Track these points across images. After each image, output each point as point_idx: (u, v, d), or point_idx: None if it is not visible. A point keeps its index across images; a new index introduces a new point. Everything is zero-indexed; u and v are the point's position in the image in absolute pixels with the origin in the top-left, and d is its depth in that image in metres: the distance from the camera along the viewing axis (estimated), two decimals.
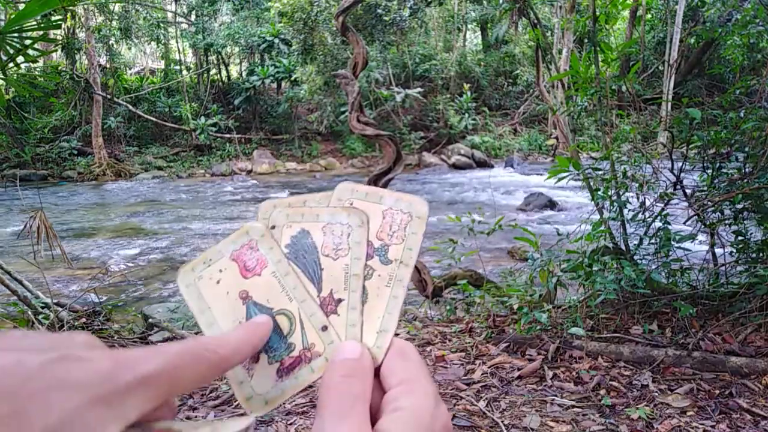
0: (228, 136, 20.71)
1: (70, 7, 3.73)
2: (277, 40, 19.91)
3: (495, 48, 23.97)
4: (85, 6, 18.04)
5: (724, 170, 3.59)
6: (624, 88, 4.16)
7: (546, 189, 11.35)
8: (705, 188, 3.62)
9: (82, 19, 19.16)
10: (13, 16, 3.40)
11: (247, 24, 21.12)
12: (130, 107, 19.99)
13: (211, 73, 22.98)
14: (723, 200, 3.35)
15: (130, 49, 24.08)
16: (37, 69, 14.02)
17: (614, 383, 2.82)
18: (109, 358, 0.29)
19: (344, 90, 3.91)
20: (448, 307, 4.25)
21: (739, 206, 3.39)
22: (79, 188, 16.89)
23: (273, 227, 0.43)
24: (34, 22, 3.38)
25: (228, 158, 20.30)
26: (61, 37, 18.53)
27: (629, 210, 3.60)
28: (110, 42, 20.87)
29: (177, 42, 23.48)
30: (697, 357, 2.93)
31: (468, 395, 2.76)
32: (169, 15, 23.32)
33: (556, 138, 18.22)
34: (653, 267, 3.40)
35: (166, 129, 21.04)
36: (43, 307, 3.92)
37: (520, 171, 17.94)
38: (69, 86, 19.82)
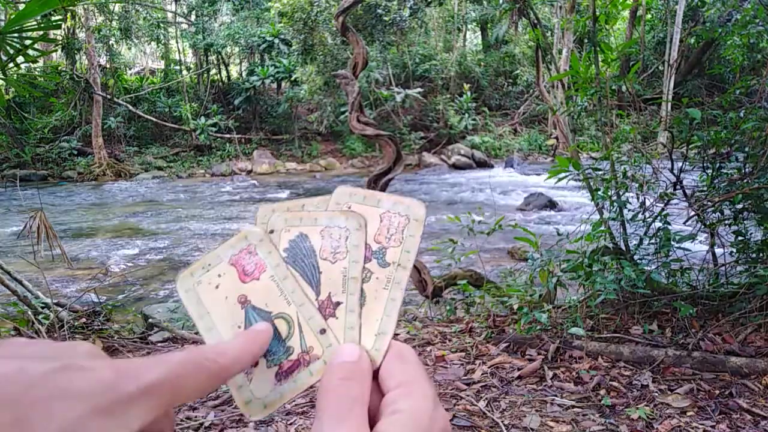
0: (228, 136, 20.71)
1: (70, 7, 3.73)
2: (277, 40, 19.91)
3: (495, 48, 23.97)
4: (85, 6, 18.04)
5: (724, 170, 3.59)
6: (624, 88, 4.16)
7: (546, 189, 11.36)
8: (705, 188, 3.62)
9: (82, 19, 19.16)
10: (13, 16, 3.40)
11: (247, 24, 21.12)
12: (130, 107, 19.99)
13: (211, 73, 22.98)
14: (723, 200, 3.35)
15: (130, 49, 24.08)
16: (37, 69, 14.03)
17: (614, 383, 2.82)
18: (111, 368, 0.30)
19: (344, 90, 3.91)
20: (448, 307, 4.26)
21: (739, 206, 3.39)
22: (79, 188, 16.89)
23: (271, 231, 0.43)
24: (34, 22, 3.38)
25: (228, 158, 20.30)
26: (61, 37, 18.54)
27: (629, 210, 3.60)
28: (110, 42, 20.88)
29: (177, 42, 23.48)
30: (697, 357, 2.93)
31: (468, 395, 2.76)
32: (169, 15, 23.33)
33: (556, 138, 18.22)
34: (653, 267, 3.40)
35: (166, 129, 21.04)
36: (43, 307, 3.92)
37: (520, 171, 17.94)
38: (69, 86, 19.82)
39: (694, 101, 3.79)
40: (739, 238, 3.42)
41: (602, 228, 3.51)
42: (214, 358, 0.35)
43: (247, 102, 21.18)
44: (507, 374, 3.01)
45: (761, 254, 3.39)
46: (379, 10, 17.37)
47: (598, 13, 4.03)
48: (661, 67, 18.50)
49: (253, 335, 0.40)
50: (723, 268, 3.62)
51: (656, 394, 2.71)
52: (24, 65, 5.36)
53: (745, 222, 3.45)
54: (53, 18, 3.95)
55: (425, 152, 20.15)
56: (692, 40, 17.84)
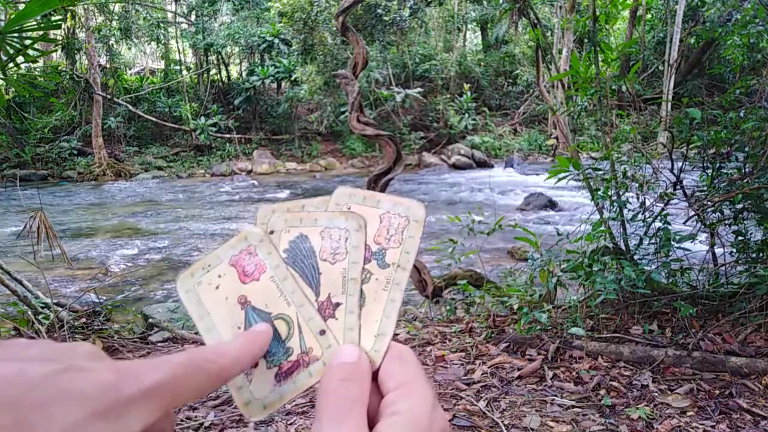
0: (228, 136, 20.71)
1: (70, 7, 3.73)
2: (277, 40, 19.91)
3: (495, 48, 23.96)
4: (85, 6, 18.04)
5: (724, 170, 3.59)
6: (624, 88, 4.16)
7: (546, 189, 11.35)
8: (705, 188, 3.62)
9: (82, 19, 19.16)
10: (13, 16, 3.40)
11: (247, 24, 21.12)
12: (130, 107, 19.99)
13: (211, 73, 22.98)
14: (723, 200, 3.35)
15: (130, 49, 24.08)
16: (37, 69, 14.03)
17: (614, 383, 2.82)
18: (112, 370, 0.30)
19: (344, 90, 3.91)
20: (448, 307, 4.26)
21: (739, 206, 3.39)
22: (79, 188, 16.89)
23: (271, 232, 0.44)
24: (34, 22, 3.38)
25: (228, 158, 20.30)
26: (61, 37, 18.54)
27: (629, 210, 3.60)
28: (110, 42, 20.88)
29: (177, 42, 23.48)
30: (697, 357, 2.93)
31: (468, 395, 2.76)
32: (169, 15, 23.33)
33: (556, 138, 18.21)
34: (653, 267, 3.40)
35: (166, 129, 21.04)
36: (43, 307, 3.92)
37: (520, 171, 17.94)
38: (69, 86, 19.82)
39: (694, 101, 3.79)
40: (739, 238, 3.42)
41: (602, 228, 3.51)
42: (214, 359, 0.35)
43: (247, 102, 21.18)
44: (507, 374, 3.01)
45: (761, 254, 3.39)
46: (379, 10, 17.37)
47: (598, 13, 4.03)
48: (661, 67, 18.50)
49: (252, 336, 0.40)
50: (723, 268, 3.62)
51: (656, 394, 2.71)
52: (24, 65, 5.36)
53: (745, 222, 3.45)
54: (53, 18, 3.95)
55: (425, 152, 20.16)
56: (692, 40, 17.84)
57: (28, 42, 3.48)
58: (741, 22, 5.89)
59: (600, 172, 3.63)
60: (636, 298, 3.42)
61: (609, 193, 3.56)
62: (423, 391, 0.36)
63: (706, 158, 3.61)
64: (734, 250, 3.51)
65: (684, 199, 3.63)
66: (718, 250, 3.69)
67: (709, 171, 3.59)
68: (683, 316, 3.17)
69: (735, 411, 2.53)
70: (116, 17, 20.86)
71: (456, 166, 19.26)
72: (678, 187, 3.61)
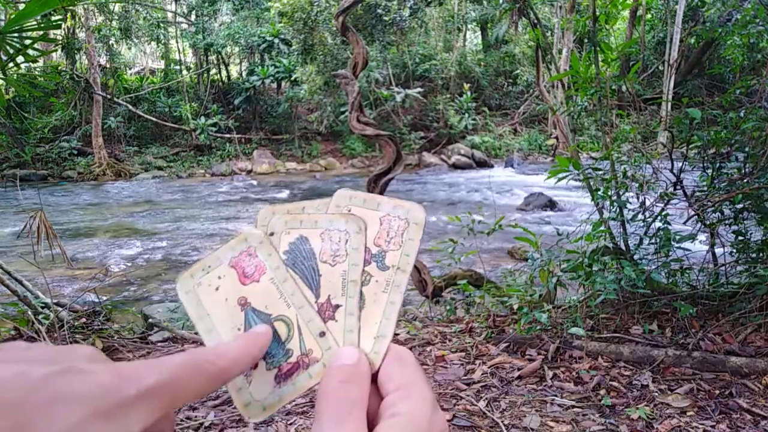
0: (228, 136, 20.71)
1: (70, 7, 3.73)
2: (277, 40, 19.91)
3: (495, 48, 23.96)
4: (85, 6, 18.04)
5: (724, 170, 3.59)
6: (624, 88, 4.16)
7: (546, 189, 11.35)
8: (705, 188, 3.62)
9: (82, 19, 19.15)
10: (13, 16, 3.40)
11: (247, 24, 21.12)
12: (130, 107, 19.98)
13: (211, 73, 22.98)
14: (723, 200, 3.35)
15: (130, 49, 24.08)
16: (37, 69, 14.03)
17: (614, 383, 2.82)
18: (111, 372, 0.30)
19: (344, 90, 3.91)
20: (448, 307, 4.26)
21: (739, 206, 3.39)
22: (79, 188, 16.89)
23: (271, 234, 0.44)
24: (34, 22, 3.38)
25: (228, 158, 20.30)
26: (61, 37, 18.53)
27: (629, 210, 3.60)
28: (110, 42, 20.87)
29: (177, 42, 23.47)
30: (697, 357, 2.93)
31: (468, 395, 2.77)
32: (169, 15, 23.32)
33: (556, 138, 18.22)
34: (653, 267, 3.40)
35: (166, 129, 21.03)
36: (43, 307, 3.92)
37: (520, 171, 17.94)
38: (69, 86, 19.81)
39: (694, 101, 3.79)
40: (739, 238, 3.42)
41: (602, 228, 3.51)
42: (214, 360, 0.35)
43: (247, 102, 21.18)
44: (507, 374, 3.01)
45: (761, 254, 3.39)
46: (379, 10, 17.36)
47: (598, 13, 4.03)
48: (661, 67, 18.50)
49: (252, 337, 0.40)
50: (723, 268, 3.62)
51: (656, 394, 2.71)
52: (24, 65, 5.36)
53: (745, 222, 3.45)
54: (53, 18, 3.95)
55: (425, 152, 20.15)
56: (692, 40, 17.84)
57: (28, 42, 3.48)
58: (741, 22, 5.89)
59: (600, 172, 3.63)
60: (636, 298, 3.42)
61: (609, 193, 3.56)
62: (422, 393, 0.36)
63: (706, 158, 3.61)
64: (734, 250, 3.51)
65: (684, 199, 3.63)
66: (718, 250, 3.69)
67: (709, 171, 3.59)
68: (683, 316, 3.17)
69: (735, 411, 2.53)
70: (116, 17, 20.85)
71: (456, 166, 19.26)
72: (678, 187, 3.61)
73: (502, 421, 2.49)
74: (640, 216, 3.52)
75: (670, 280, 3.53)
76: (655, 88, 19.57)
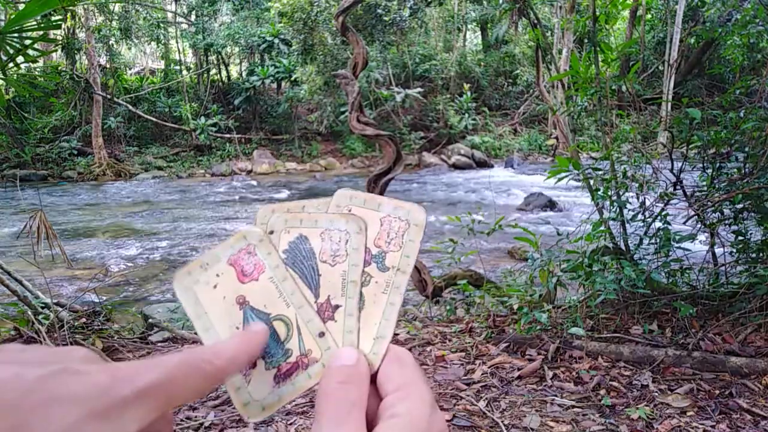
0: (228, 136, 20.70)
1: (70, 7, 3.73)
2: (277, 40, 19.90)
3: (495, 48, 23.96)
4: (85, 6, 18.04)
5: (724, 170, 3.59)
6: (624, 88, 4.16)
7: (546, 189, 11.35)
8: (705, 188, 3.62)
9: (82, 19, 19.15)
10: (13, 16, 3.40)
11: (247, 24, 21.12)
12: (130, 107, 19.98)
13: (211, 73, 22.98)
14: (723, 200, 3.35)
15: (130, 49, 24.08)
16: (37, 69, 14.03)
17: (614, 383, 2.82)
18: (106, 372, 0.30)
19: (344, 90, 3.91)
20: (448, 307, 4.26)
21: (739, 206, 3.39)
22: (79, 188, 16.88)
23: (271, 232, 0.43)
24: (34, 22, 3.38)
25: (228, 158, 20.29)
26: (61, 37, 18.53)
27: (629, 210, 3.60)
28: (110, 42, 20.87)
29: (177, 42, 23.47)
30: (697, 357, 2.93)
31: (468, 395, 2.76)
32: (169, 15, 23.32)
33: (556, 138, 18.22)
34: (653, 267, 3.40)
35: (166, 129, 21.03)
36: (43, 307, 3.92)
37: (520, 171, 17.94)
38: (69, 86, 19.81)
39: (694, 101, 3.78)
40: (739, 238, 3.42)
41: (602, 228, 3.51)
42: (211, 359, 0.35)
43: (247, 102, 21.18)
44: (507, 374, 3.01)
45: (761, 254, 3.39)
46: (379, 10, 17.36)
47: (598, 13, 4.03)
48: (661, 67, 18.50)
49: (249, 336, 0.40)
50: (723, 268, 3.62)
51: (656, 394, 2.71)
52: (24, 65, 5.36)
53: (745, 222, 3.45)
54: (53, 18, 3.95)
55: (425, 152, 20.15)
56: (692, 40, 17.84)
57: (28, 42, 3.48)
58: (741, 22, 5.89)
59: (600, 172, 3.63)
60: (636, 298, 3.42)
61: (609, 193, 3.56)
62: (422, 394, 0.36)
63: (706, 158, 3.61)
64: (734, 250, 3.51)
65: (684, 199, 3.63)
66: (718, 250, 3.69)
67: (709, 171, 3.59)
68: (683, 316, 3.17)
69: (735, 411, 2.53)
70: (116, 17, 20.85)
71: (456, 166, 19.26)
72: (678, 187, 3.61)
73: (502, 421, 2.49)
74: (640, 216, 3.52)
75: (670, 280, 3.53)
76: (655, 88, 19.57)
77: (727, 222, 3.51)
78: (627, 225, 3.64)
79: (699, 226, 3.59)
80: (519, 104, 23.34)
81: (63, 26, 16.98)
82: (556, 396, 2.75)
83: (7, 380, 0.27)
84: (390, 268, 0.42)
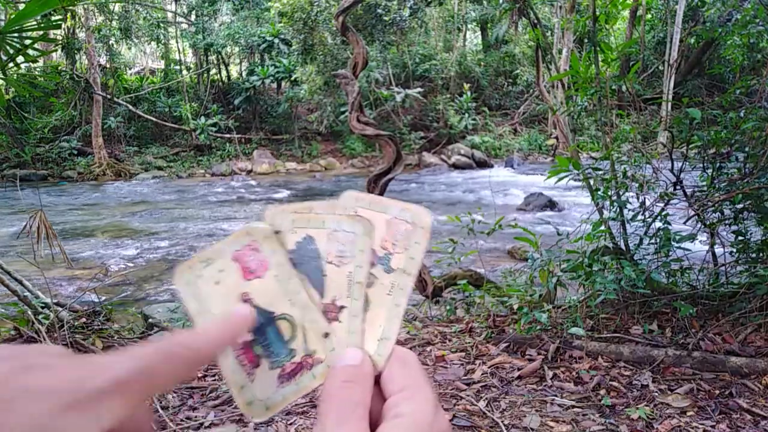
0: (228, 136, 20.70)
1: (70, 7, 3.73)
2: (277, 40, 19.90)
3: (495, 48, 23.96)
4: (85, 6, 18.04)
5: (724, 170, 3.59)
6: (624, 88, 4.16)
7: (546, 189, 11.35)
8: (705, 188, 3.62)
9: (82, 19, 19.14)
10: (13, 16, 3.40)
11: (247, 24, 21.11)
12: (130, 107, 19.97)
13: (211, 73, 22.97)
14: (723, 200, 3.35)
15: (130, 49, 24.06)
16: (37, 69, 14.02)
17: (614, 383, 2.82)
18: (79, 365, 0.30)
19: (344, 90, 3.92)
20: (448, 307, 4.26)
21: (739, 206, 3.39)
22: (79, 188, 16.88)
23: (278, 232, 0.43)
24: (34, 22, 3.38)
25: (228, 158, 20.29)
26: (61, 37, 18.52)
27: (629, 210, 3.60)
28: (110, 42, 20.86)
29: (177, 42, 23.46)
30: (697, 357, 2.93)
31: (468, 395, 2.77)
32: (169, 15, 23.31)
33: (556, 138, 18.22)
34: (653, 267, 3.40)
35: (166, 129, 21.03)
36: (43, 307, 3.92)
37: (520, 171, 17.94)
38: (69, 86, 19.80)
39: (694, 101, 3.79)
40: (739, 238, 3.42)
41: (602, 228, 3.51)
42: (189, 343, 0.35)
43: (247, 102, 21.17)
44: (507, 374, 3.01)
45: (761, 254, 3.39)
46: (379, 10, 17.36)
47: (598, 13, 4.03)
48: (661, 67, 18.50)
49: (232, 318, 0.40)
50: (723, 268, 3.63)
51: (656, 394, 2.72)
52: (24, 65, 5.36)
53: (745, 222, 3.45)
54: (53, 18, 3.94)
55: (425, 152, 20.15)
56: (692, 40, 17.85)
57: (28, 42, 3.47)
58: (741, 22, 5.89)
59: (600, 172, 3.63)
60: (636, 298, 3.42)
61: (609, 193, 3.56)
62: (425, 395, 0.36)
63: (706, 158, 3.61)
64: (734, 250, 3.51)
65: (684, 199, 3.63)
66: (718, 250, 3.69)
67: (709, 171, 3.59)
68: (683, 316, 3.17)
69: (735, 411, 2.53)
70: (116, 17, 20.84)
71: (456, 166, 19.26)
72: (678, 187, 3.62)
73: (502, 421, 2.49)
74: (640, 216, 3.52)
75: (670, 280, 3.53)
76: (655, 88, 19.58)
77: (727, 222, 3.51)
78: (627, 225, 3.64)
79: (699, 226, 3.59)
80: (519, 104, 23.34)
81: (63, 26, 16.98)
82: (556, 396, 2.75)
83: None
84: (395, 269, 0.42)
